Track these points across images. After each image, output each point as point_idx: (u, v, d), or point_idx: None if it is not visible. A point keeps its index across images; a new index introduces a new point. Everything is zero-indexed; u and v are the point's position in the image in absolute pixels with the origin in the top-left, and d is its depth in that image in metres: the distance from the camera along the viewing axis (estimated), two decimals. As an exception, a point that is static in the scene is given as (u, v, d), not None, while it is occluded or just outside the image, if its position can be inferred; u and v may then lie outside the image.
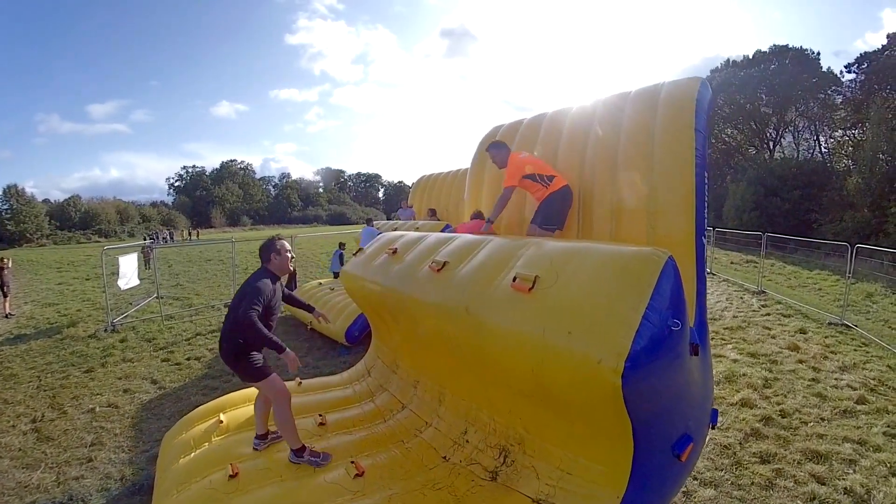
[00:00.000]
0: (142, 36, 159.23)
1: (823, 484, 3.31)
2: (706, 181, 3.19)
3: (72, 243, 48.93)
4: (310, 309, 3.50)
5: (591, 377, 1.87)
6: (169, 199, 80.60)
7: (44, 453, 4.05)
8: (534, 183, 3.82)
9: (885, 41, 25.01)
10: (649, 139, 3.41)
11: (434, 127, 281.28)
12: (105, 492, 3.47)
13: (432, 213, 10.51)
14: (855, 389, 4.88)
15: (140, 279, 10.64)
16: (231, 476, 2.66)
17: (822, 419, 4.28)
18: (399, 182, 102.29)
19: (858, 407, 4.50)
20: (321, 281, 9.56)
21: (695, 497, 3.21)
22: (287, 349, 2.79)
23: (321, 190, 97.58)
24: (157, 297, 10.87)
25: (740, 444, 3.85)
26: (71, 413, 4.84)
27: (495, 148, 4.10)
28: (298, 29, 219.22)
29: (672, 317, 1.90)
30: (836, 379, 5.22)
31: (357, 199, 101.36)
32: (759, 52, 30.40)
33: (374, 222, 9.66)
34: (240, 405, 3.60)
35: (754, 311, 8.67)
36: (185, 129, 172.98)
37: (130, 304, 10.40)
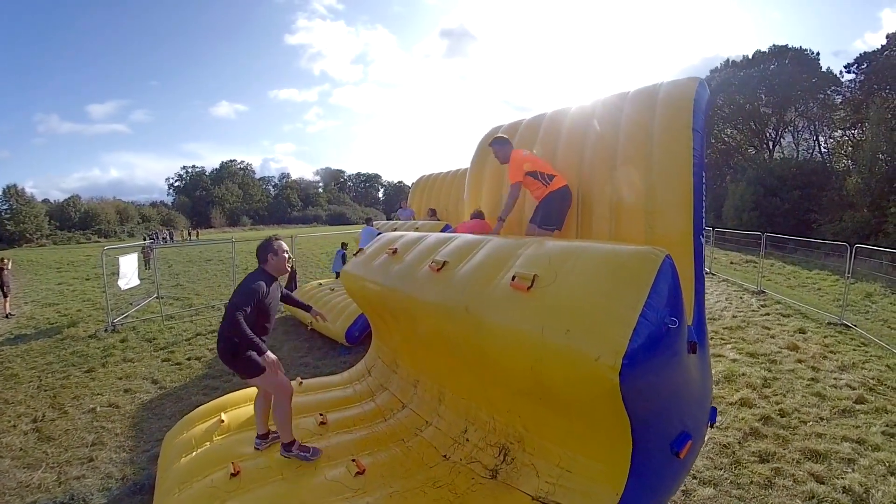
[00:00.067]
0: (142, 36, 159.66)
1: (822, 483, 3.32)
2: (704, 181, 3.20)
3: (71, 243, 48.94)
4: (307, 308, 3.52)
5: (589, 375, 1.88)
6: (169, 200, 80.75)
7: (45, 453, 4.06)
8: (534, 181, 3.84)
9: (884, 41, 25.08)
10: (648, 139, 3.43)
11: (434, 127, 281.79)
12: (106, 491, 3.48)
13: (432, 213, 10.53)
14: (854, 389, 4.90)
15: (140, 279, 10.65)
16: (232, 475, 2.68)
17: (821, 418, 4.30)
18: (399, 182, 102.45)
19: (857, 406, 4.52)
20: (321, 281, 9.57)
21: (694, 496, 3.22)
22: (268, 353, 2.75)
23: (321, 190, 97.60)
24: (157, 298, 10.89)
25: (739, 443, 3.87)
26: (72, 413, 4.86)
27: (498, 144, 4.12)
28: (298, 29, 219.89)
29: (669, 315, 1.92)
30: (835, 378, 5.23)
31: (357, 199, 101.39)
32: (758, 52, 30.47)
33: (374, 222, 9.67)
34: (241, 405, 3.62)
35: (754, 310, 8.68)
36: (185, 129, 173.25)
37: (130, 304, 10.41)
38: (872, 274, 11.06)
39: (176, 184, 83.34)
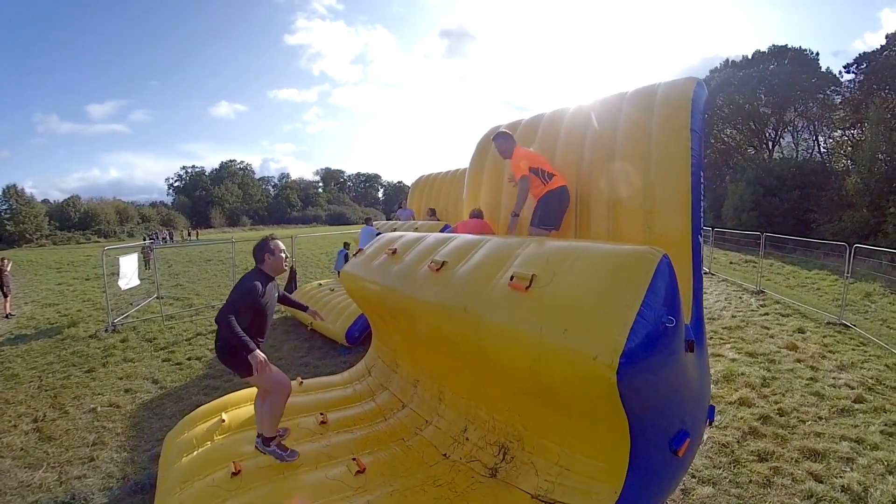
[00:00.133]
0: (141, 36, 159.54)
1: (821, 482, 3.33)
2: (702, 181, 3.22)
3: (71, 243, 48.94)
4: (304, 308, 3.53)
5: (587, 373, 1.90)
6: (168, 200, 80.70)
7: (46, 453, 4.07)
8: (535, 178, 3.85)
9: (883, 41, 25.10)
10: (646, 139, 3.44)
11: (433, 127, 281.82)
12: (107, 491, 3.49)
13: (431, 213, 10.54)
14: (853, 388, 4.91)
15: (140, 279, 10.66)
16: (233, 474, 2.69)
17: (820, 418, 4.31)
18: (398, 182, 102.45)
19: (856, 406, 4.53)
20: (321, 282, 9.58)
21: (693, 495, 3.23)
22: (256, 352, 2.68)
23: (320, 190, 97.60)
24: (157, 298, 10.90)
25: (738, 442, 3.88)
26: (72, 413, 4.87)
27: (502, 139, 4.14)
28: (297, 29, 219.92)
29: (667, 314, 1.93)
30: (834, 378, 5.25)
31: (356, 199, 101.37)
32: (758, 52, 30.51)
33: (374, 222, 9.69)
34: (241, 405, 3.63)
35: (753, 310, 8.70)
36: (185, 129, 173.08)
37: (131, 304, 10.42)
38: (871, 274, 11.07)
39: (175, 184, 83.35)
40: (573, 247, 2.40)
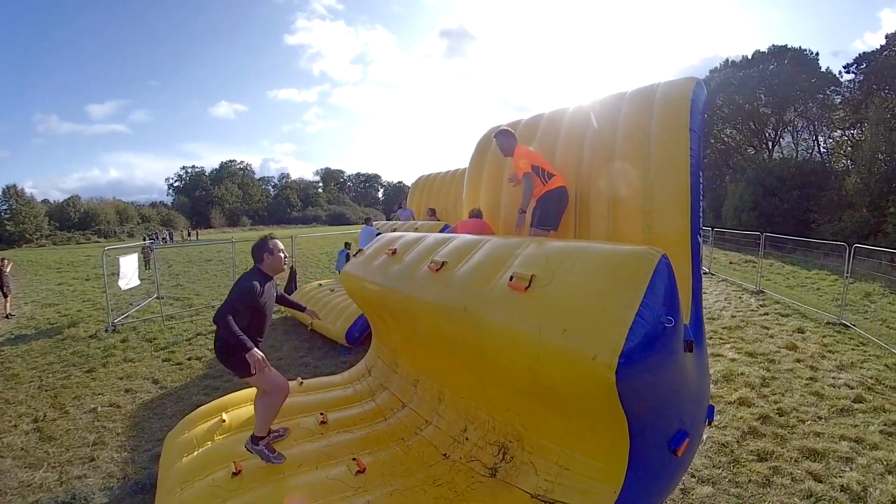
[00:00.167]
0: (141, 36, 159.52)
1: (820, 481, 3.34)
2: (701, 181, 3.22)
3: (71, 244, 48.94)
4: (301, 308, 3.54)
5: (586, 373, 1.90)
6: (168, 200, 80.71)
7: (46, 453, 4.08)
8: (535, 177, 3.86)
9: (883, 41, 25.11)
10: (645, 139, 3.45)
11: (433, 127, 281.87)
12: (108, 490, 3.50)
13: (431, 213, 10.55)
14: (852, 388, 4.92)
15: (140, 279, 10.66)
16: (234, 474, 2.70)
17: (820, 418, 4.31)
18: (398, 182, 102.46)
19: (856, 405, 4.54)
20: (321, 282, 9.59)
21: (692, 494, 3.24)
22: (254, 350, 2.68)
23: (320, 190, 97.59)
24: (157, 298, 10.91)
25: (738, 442, 3.88)
26: (73, 413, 4.87)
27: (503, 136, 4.14)
28: (297, 29, 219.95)
29: (666, 314, 1.94)
30: (833, 378, 5.25)
31: (356, 199, 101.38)
32: (757, 52, 30.51)
33: (373, 222, 9.69)
34: (242, 405, 3.63)
35: (753, 310, 8.70)
36: (184, 129, 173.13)
37: (131, 304, 10.43)
38: (871, 274, 11.08)
39: (175, 184, 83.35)
40: (572, 247, 2.41)
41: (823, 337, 6.85)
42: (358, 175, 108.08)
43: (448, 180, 11.20)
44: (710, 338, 6.83)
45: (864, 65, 25.70)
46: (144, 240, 32.30)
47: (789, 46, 29.18)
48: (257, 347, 2.83)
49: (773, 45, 29.78)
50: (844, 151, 27.47)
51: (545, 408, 2.43)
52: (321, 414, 3.46)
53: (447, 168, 11.70)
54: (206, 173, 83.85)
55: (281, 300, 3.35)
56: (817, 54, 28.64)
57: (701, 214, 3.20)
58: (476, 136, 5.32)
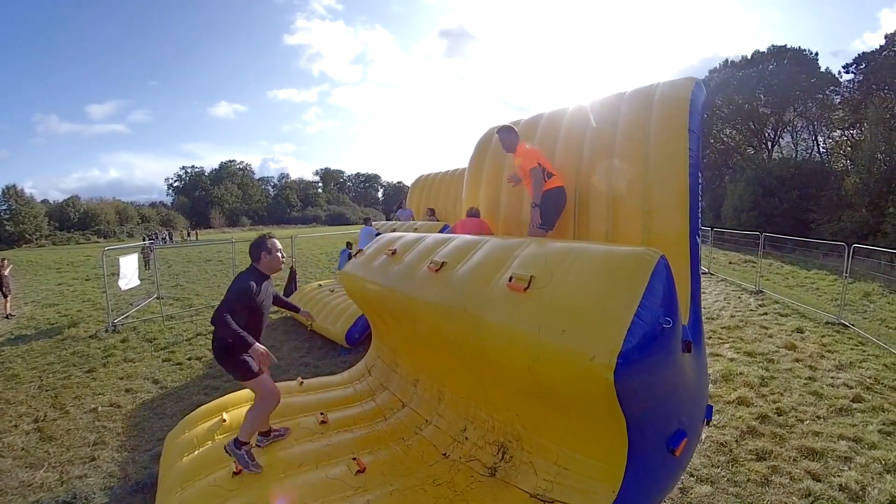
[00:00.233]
0: (141, 36, 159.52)
1: (819, 481, 3.35)
2: (700, 181, 3.23)
3: (71, 244, 48.92)
4: (296, 310, 3.55)
5: (584, 374, 1.91)
6: (168, 200, 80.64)
7: (47, 453, 4.09)
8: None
9: (883, 41, 25.15)
10: (644, 139, 3.46)
11: (433, 127, 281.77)
12: (108, 490, 3.51)
13: (431, 213, 10.56)
14: (851, 388, 4.93)
15: (140, 280, 10.67)
16: (234, 473, 2.71)
17: (819, 417, 4.32)
18: (398, 182, 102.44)
19: (854, 405, 4.55)
20: (321, 283, 9.60)
21: (691, 493, 3.25)
22: (256, 344, 2.67)
23: (320, 190, 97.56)
24: (157, 298, 10.92)
25: (737, 441, 3.89)
26: (73, 413, 4.88)
27: (505, 132, 4.13)
28: (297, 29, 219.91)
29: (664, 315, 1.95)
30: (832, 377, 5.26)
31: (356, 199, 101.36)
32: (757, 52, 30.56)
33: (373, 222, 9.70)
34: (242, 404, 3.64)
35: (752, 310, 8.72)
36: (184, 129, 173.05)
37: (131, 304, 10.43)
38: (870, 274, 11.10)
39: (175, 184, 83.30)
40: (571, 248, 2.42)
41: (822, 337, 6.86)
42: (357, 175, 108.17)
43: (448, 180, 11.20)
44: (710, 337, 6.84)
45: (864, 65, 25.75)
46: (144, 240, 32.26)
47: (789, 46, 29.25)
48: None
49: (773, 46, 29.84)
50: (844, 151, 27.51)
51: (544, 408, 2.44)
52: (321, 413, 3.47)
53: (447, 168, 11.70)
54: (206, 173, 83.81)
55: (276, 301, 3.33)
56: (817, 54, 28.75)
57: (699, 215, 3.21)
58: (476, 136, 5.33)
